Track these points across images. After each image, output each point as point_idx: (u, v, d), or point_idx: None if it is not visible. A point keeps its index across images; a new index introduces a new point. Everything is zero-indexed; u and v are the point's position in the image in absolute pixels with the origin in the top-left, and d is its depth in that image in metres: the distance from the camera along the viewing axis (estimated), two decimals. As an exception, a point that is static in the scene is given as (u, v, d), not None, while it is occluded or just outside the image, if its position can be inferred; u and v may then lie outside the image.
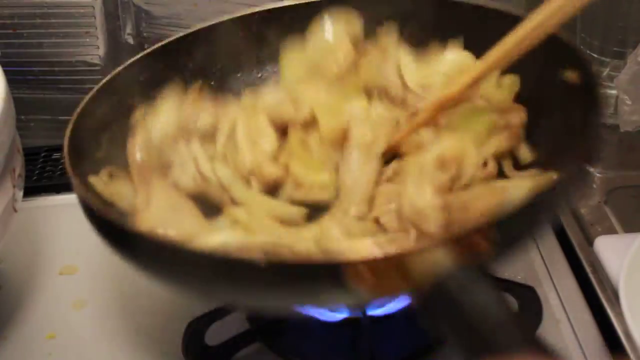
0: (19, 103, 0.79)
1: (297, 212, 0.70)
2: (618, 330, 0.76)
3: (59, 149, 1.04)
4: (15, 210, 0.76)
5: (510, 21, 0.70)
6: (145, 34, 1.08)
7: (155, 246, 0.57)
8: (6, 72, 0.77)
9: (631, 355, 0.73)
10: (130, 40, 1.09)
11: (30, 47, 1.07)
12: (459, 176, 0.69)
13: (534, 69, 0.74)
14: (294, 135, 0.77)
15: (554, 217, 0.68)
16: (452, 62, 0.82)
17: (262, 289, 0.56)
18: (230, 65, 0.89)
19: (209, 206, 0.72)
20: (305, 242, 0.65)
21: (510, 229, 0.58)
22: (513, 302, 0.76)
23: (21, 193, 0.78)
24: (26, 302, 0.84)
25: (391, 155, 0.75)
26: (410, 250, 0.55)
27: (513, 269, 0.83)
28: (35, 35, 1.07)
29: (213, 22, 0.88)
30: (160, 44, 0.84)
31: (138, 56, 0.82)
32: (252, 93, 0.84)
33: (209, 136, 0.78)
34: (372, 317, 0.72)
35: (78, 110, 0.73)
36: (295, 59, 0.87)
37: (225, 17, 0.88)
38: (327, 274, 0.54)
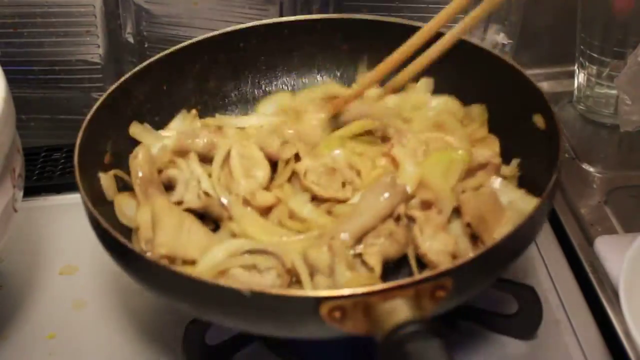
0: (19, 103, 0.79)
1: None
2: (618, 330, 0.76)
3: (59, 149, 1.05)
4: (15, 210, 0.76)
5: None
6: (145, 33, 1.08)
7: (157, 270, 0.64)
8: (6, 72, 0.77)
9: (631, 355, 0.73)
10: (131, 39, 1.09)
11: (31, 46, 1.07)
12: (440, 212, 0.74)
13: (506, 109, 0.82)
14: (284, 169, 0.81)
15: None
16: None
17: (245, 315, 0.62)
18: (230, 80, 0.94)
19: (207, 219, 0.77)
20: (292, 253, 0.70)
21: (465, 278, 0.61)
22: (513, 302, 0.76)
23: (21, 193, 0.78)
24: (26, 302, 0.84)
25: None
26: (371, 293, 0.58)
27: (513, 269, 0.83)
28: (36, 34, 1.06)
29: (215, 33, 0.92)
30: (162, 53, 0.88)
31: (140, 66, 0.86)
32: (245, 117, 0.91)
33: (205, 156, 0.82)
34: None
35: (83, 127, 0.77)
36: (284, 98, 0.93)
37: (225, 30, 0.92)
38: (301, 308, 0.59)
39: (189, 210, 0.76)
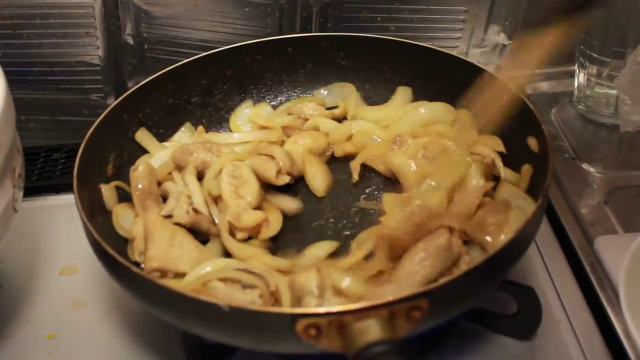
0: (19, 103, 0.79)
1: (280, 262, 0.75)
2: (618, 330, 0.76)
3: (59, 149, 1.05)
4: (15, 210, 0.76)
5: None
6: (145, 35, 1.08)
7: (142, 282, 0.66)
8: (6, 73, 0.78)
9: (631, 355, 0.73)
10: (130, 41, 1.09)
11: (30, 47, 1.07)
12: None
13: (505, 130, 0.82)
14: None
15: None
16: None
17: (225, 329, 0.64)
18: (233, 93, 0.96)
19: (196, 232, 0.78)
20: (278, 277, 0.70)
21: (441, 300, 0.62)
22: (513, 302, 0.76)
23: (21, 193, 0.78)
24: (26, 302, 0.84)
25: None
26: (345, 312, 0.59)
27: (513, 269, 0.82)
28: (35, 35, 1.07)
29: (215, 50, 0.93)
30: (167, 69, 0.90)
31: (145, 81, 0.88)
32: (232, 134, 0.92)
33: (200, 171, 0.83)
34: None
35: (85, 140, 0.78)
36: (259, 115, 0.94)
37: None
38: (277, 324, 0.61)
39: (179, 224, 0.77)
